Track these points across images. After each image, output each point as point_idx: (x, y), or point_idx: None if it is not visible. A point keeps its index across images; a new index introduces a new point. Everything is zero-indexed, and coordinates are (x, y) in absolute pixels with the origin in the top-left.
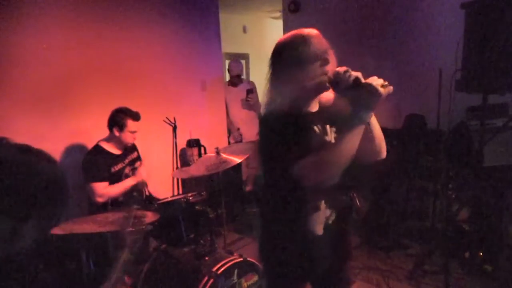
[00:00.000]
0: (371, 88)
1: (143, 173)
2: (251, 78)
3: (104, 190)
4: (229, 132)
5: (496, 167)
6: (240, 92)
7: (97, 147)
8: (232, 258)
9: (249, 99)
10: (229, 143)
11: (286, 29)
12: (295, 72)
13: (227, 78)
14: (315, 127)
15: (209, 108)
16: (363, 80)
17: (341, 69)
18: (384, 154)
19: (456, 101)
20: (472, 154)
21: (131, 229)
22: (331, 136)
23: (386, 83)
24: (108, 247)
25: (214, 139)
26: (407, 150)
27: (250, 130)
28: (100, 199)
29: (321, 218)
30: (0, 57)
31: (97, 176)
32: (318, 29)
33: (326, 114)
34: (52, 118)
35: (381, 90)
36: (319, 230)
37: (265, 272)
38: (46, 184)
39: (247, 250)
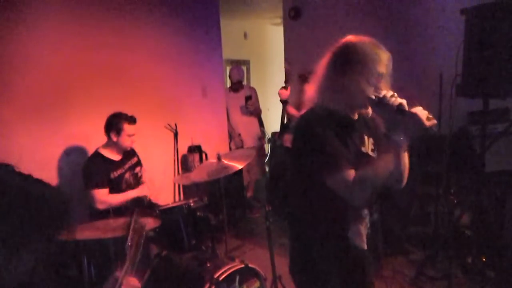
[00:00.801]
0: (416, 118)
1: (146, 189)
2: (252, 84)
3: (104, 197)
4: (230, 137)
5: (498, 172)
6: (241, 98)
7: (96, 154)
8: (233, 264)
9: (248, 106)
10: (230, 148)
11: (286, 35)
12: (355, 81)
13: (228, 84)
14: (355, 136)
15: (210, 114)
16: (407, 108)
17: (388, 92)
18: (403, 184)
19: (457, 106)
20: (474, 159)
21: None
22: (368, 147)
23: (431, 116)
24: (109, 253)
25: (215, 145)
26: (409, 155)
27: (251, 135)
28: (100, 206)
29: (364, 230)
30: (0, 64)
31: (97, 183)
32: (318, 36)
33: (365, 124)
34: (53, 124)
35: (426, 122)
36: (364, 243)
37: None
38: (46, 211)
39: (249, 256)
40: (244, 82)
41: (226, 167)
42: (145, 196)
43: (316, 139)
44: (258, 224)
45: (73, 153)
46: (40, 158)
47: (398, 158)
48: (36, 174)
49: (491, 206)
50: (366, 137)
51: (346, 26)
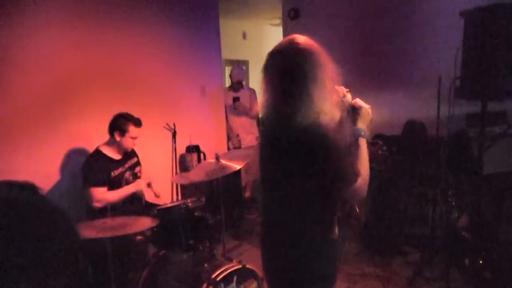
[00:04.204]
0: (364, 112)
1: (142, 183)
2: (251, 85)
3: (102, 195)
4: (229, 138)
5: (496, 174)
6: (240, 98)
7: (97, 152)
8: (231, 264)
9: (237, 106)
10: (228, 149)
11: (285, 35)
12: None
13: (227, 83)
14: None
15: (209, 114)
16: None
17: (342, 90)
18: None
19: (455, 108)
20: (472, 161)
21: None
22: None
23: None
24: (107, 253)
25: (213, 145)
26: (407, 156)
27: (249, 136)
28: (97, 204)
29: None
30: (1, 63)
31: (96, 181)
32: (318, 36)
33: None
34: (52, 123)
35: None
36: (336, 233)
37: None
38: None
39: (247, 257)
40: (244, 83)
41: (224, 167)
42: (141, 191)
43: (330, 151)
44: (256, 225)
45: (72, 153)
46: (39, 158)
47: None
48: (35, 174)
49: (488, 208)
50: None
51: (345, 27)
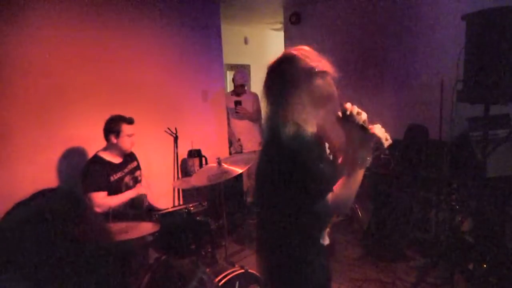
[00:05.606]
0: (376, 138)
1: (143, 188)
2: (252, 89)
3: (102, 200)
4: (230, 142)
5: (499, 177)
6: (242, 102)
7: (95, 157)
8: (233, 269)
9: (238, 110)
10: (230, 153)
11: (287, 40)
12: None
13: (229, 88)
14: (324, 147)
15: (211, 119)
16: (368, 125)
17: (354, 108)
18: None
19: (458, 111)
20: (475, 165)
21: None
22: (328, 152)
23: (388, 136)
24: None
25: (215, 149)
26: (409, 160)
27: (250, 140)
28: (98, 209)
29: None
30: (1, 67)
31: (96, 186)
32: (319, 41)
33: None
34: (53, 126)
35: (385, 142)
36: (327, 239)
37: None
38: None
39: (249, 262)
40: (246, 87)
41: (226, 172)
42: (143, 195)
43: (304, 165)
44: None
45: (72, 156)
46: (39, 161)
47: (362, 174)
48: (35, 177)
49: (492, 212)
50: (326, 144)
51: (347, 32)
